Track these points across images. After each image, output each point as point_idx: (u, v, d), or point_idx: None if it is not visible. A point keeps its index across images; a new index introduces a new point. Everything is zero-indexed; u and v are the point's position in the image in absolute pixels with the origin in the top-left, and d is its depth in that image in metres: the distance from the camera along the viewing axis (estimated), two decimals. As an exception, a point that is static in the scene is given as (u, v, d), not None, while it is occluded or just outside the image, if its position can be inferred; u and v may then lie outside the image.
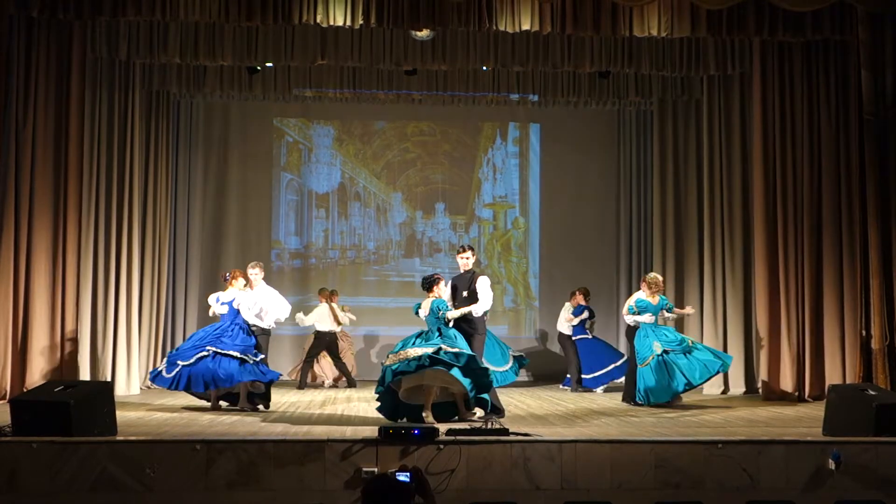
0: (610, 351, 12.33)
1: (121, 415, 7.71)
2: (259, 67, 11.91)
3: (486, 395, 8.19)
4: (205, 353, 9.17)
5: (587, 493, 6.67)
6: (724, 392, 11.59)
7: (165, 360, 9.63)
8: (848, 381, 10.01)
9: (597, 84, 12.46)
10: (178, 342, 12.88)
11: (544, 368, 13.76)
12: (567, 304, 12.46)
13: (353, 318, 12.87)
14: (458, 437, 6.85)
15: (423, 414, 8.11)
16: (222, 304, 9.66)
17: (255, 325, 9.45)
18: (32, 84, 10.04)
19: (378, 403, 8.35)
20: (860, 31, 9.95)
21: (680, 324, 11.92)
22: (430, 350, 7.98)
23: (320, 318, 12.38)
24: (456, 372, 7.97)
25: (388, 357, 8.25)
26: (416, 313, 8.55)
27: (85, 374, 10.48)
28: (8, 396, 9.33)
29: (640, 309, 10.10)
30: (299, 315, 12.30)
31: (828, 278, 10.49)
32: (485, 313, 8.50)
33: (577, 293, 12.35)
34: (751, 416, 9.03)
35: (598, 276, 14.19)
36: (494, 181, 14.79)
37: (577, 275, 13.67)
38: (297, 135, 14.61)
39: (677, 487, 6.76)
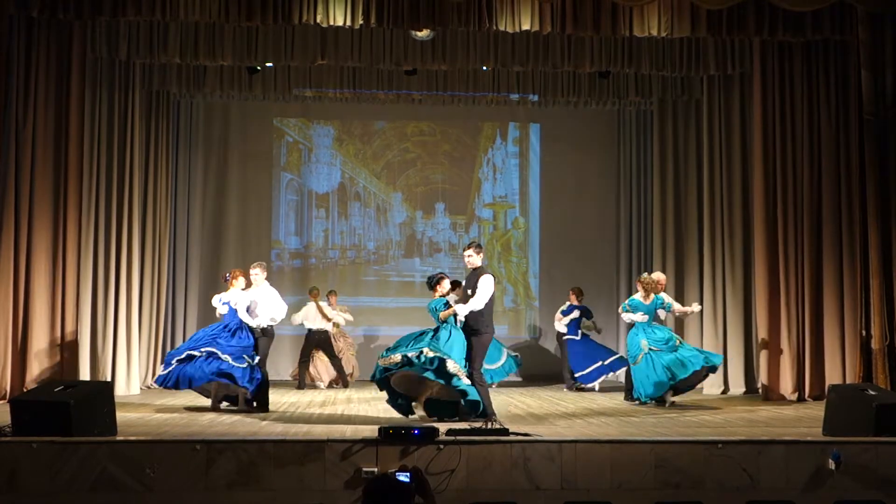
0: (600, 349, 12.34)
1: (121, 415, 7.71)
2: (259, 67, 11.91)
3: (475, 398, 8.21)
4: (198, 354, 9.20)
5: (587, 493, 6.67)
6: (724, 392, 11.59)
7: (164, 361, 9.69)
8: (848, 381, 10.01)
9: (597, 84, 12.46)
10: (178, 342, 12.90)
11: (543, 368, 13.77)
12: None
13: (350, 317, 12.82)
14: (458, 437, 6.85)
15: (413, 405, 8.43)
16: (223, 303, 9.68)
17: (260, 326, 9.45)
18: (32, 84, 10.04)
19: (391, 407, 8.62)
20: (860, 31, 9.95)
21: (680, 323, 11.93)
22: (410, 354, 8.18)
23: (307, 317, 12.37)
24: (429, 374, 8.18)
25: (380, 358, 8.43)
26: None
27: (85, 374, 10.48)
28: (8, 396, 9.33)
29: (633, 308, 10.25)
30: (293, 315, 12.32)
31: (828, 278, 10.49)
32: (482, 313, 8.32)
33: (570, 292, 12.42)
34: (751, 416, 9.03)
35: (598, 276, 14.21)
36: (494, 181, 14.79)
37: (577, 275, 13.67)
38: (297, 135, 14.61)
39: (677, 487, 6.76)
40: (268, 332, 9.54)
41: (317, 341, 12.37)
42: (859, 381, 9.79)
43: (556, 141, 14.68)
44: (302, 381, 12.21)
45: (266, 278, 9.64)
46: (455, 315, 8.24)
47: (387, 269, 14.68)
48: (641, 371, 9.93)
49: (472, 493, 6.52)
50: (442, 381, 8.14)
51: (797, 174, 10.70)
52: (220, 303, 9.76)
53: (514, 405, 10.01)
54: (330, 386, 12.46)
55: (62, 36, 10.25)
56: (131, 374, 11.28)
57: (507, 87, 12.50)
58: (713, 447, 6.90)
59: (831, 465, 6.81)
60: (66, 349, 10.25)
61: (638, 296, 10.32)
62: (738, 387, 11.59)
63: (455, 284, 9.50)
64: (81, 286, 10.60)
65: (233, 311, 9.51)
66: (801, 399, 10.48)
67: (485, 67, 11.80)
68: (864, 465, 6.88)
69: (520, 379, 13.62)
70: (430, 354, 8.10)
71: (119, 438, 7.01)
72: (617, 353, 12.31)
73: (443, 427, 7.13)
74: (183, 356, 9.25)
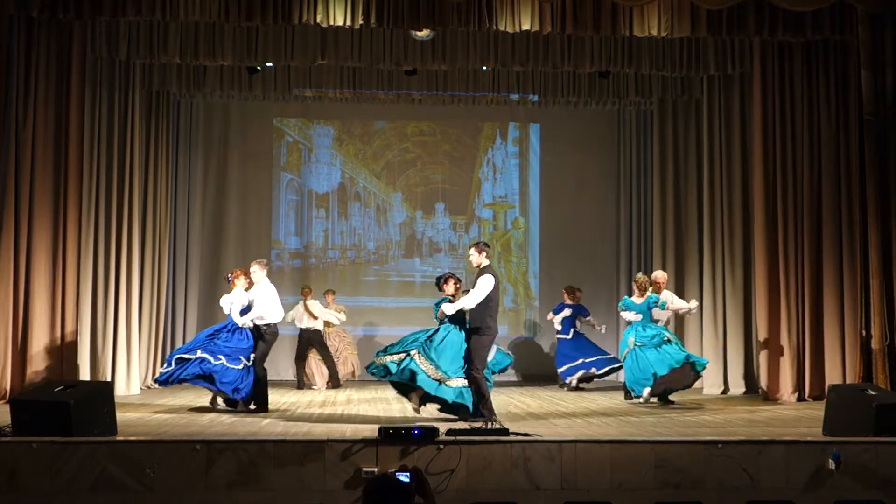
0: (587, 347, 12.33)
1: (121, 415, 7.71)
2: (259, 67, 11.91)
3: (459, 402, 8.28)
4: (192, 357, 9.21)
5: (587, 493, 6.67)
6: (724, 392, 11.60)
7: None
8: (848, 381, 10.01)
9: (597, 84, 12.46)
10: (178, 342, 12.92)
11: (543, 368, 13.75)
12: (566, 304, 12.57)
13: (342, 316, 12.70)
14: (458, 437, 6.85)
15: (409, 396, 8.58)
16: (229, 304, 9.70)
17: (246, 325, 9.42)
18: (32, 84, 10.03)
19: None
20: (860, 31, 9.95)
21: (681, 323, 11.93)
22: (393, 358, 8.37)
23: (297, 316, 12.35)
24: (409, 383, 8.35)
25: (376, 355, 8.56)
26: None
27: (85, 374, 10.48)
28: (8, 396, 9.32)
29: (626, 307, 10.39)
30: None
31: (828, 278, 10.49)
32: (484, 312, 8.31)
33: (563, 291, 12.45)
34: (751, 416, 9.03)
35: (598, 276, 14.21)
36: (494, 181, 14.79)
37: (577, 275, 13.67)
38: (297, 135, 14.61)
39: (677, 487, 6.76)
40: (269, 333, 9.47)
41: (308, 340, 12.36)
42: (859, 381, 9.79)
43: (556, 141, 14.67)
44: (300, 380, 12.20)
45: (266, 277, 9.63)
46: (446, 315, 8.37)
47: (387, 269, 14.67)
48: (627, 366, 10.21)
49: (472, 493, 6.52)
50: (422, 388, 8.29)
51: (797, 174, 10.69)
52: (227, 303, 9.77)
53: (514, 405, 10.02)
54: (325, 388, 12.45)
55: (62, 36, 10.25)
56: (131, 375, 11.27)
57: (507, 87, 12.50)
58: (713, 447, 6.90)
59: (831, 465, 6.81)
60: (66, 349, 10.24)
61: (633, 296, 10.42)
62: (738, 387, 11.59)
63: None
64: (81, 286, 10.59)
65: (233, 311, 9.53)
66: (801, 399, 10.48)
67: (485, 67, 11.80)
68: (864, 465, 6.89)
69: (519, 379, 13.61)
70: (407, 363, 8.26)
71: (119, 438, 7.01)
72: (608, 354, 12.33)
73: (443, 427, 7.14)
74: (180, 356, 9.27)
